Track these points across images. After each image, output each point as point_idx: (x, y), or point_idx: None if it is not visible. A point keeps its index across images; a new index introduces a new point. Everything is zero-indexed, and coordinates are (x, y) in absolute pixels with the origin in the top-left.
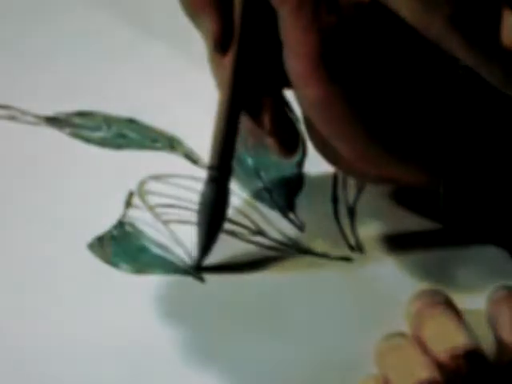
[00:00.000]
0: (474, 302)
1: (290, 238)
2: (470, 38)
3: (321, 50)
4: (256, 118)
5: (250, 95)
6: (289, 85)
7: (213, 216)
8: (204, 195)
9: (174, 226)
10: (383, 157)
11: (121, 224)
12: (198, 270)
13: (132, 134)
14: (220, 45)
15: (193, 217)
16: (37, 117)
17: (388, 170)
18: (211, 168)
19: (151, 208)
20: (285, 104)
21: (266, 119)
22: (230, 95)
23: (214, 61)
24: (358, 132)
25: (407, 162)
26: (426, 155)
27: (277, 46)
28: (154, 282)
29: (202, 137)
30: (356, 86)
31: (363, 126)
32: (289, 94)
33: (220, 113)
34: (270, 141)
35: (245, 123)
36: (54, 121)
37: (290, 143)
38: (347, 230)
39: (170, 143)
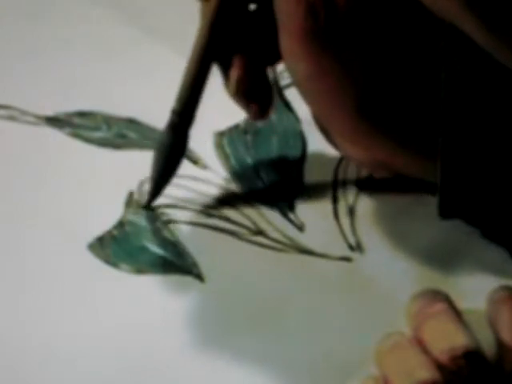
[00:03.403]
0: (474, 301)
1: (290, 238)
2: (485, 19)
3: (311, 24)
4: (226, 73)
5: (225, 49)
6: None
7: (168, 160)
8: (162, 138)
9: (174, 226)
10: (373, 136)
11: (121, 224)
12: (146, 208)
13: (132, 134)
14: None
15: (193, 217)
16: (37, 117)
17: (379, 152)
18: (173, 113)
19: (151, 208)
20: (264, 69)
21: (233, 76)
22: (204, 41)
23: (201, 6)
24: (346, 109)
25: (399, 142)
26: (419, 136)
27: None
28: (154, 281)
29: (202, 137)
30: (347, 60)
31: (352, 103)
32: (288, 94)
33: (192, 58)
34: (235, 99)
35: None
36: (53, 121)
37: (259, 107)
38: (347, 230)
39: None
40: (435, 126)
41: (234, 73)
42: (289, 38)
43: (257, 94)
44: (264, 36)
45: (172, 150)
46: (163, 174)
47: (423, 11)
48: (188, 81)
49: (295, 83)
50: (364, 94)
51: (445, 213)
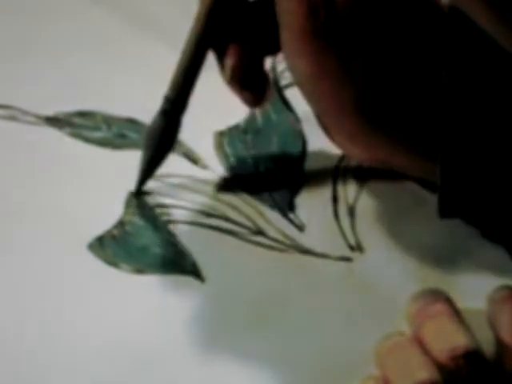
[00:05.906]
0: (474, 302)
1: (290, 238)
2: (492, 3)
3: (313, 23)
4: (221, 61)
5: (222, 37)
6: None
7: (158, 146)
8: (154, 124)
9: (174, 226)
10: (372, 135)
11: (121, 224)
12: (137, 194)
13: (132, 134)
14: None
15: (193, 217)
16: (37, 117)
17: (379, 151)
18: (166, 99)
19: (151, 208)
20: (260, 58)
21: (228, 63)
22: (201, 28)
23: None
24: (346, 108)
25: (399, 142)
26: (419, 136)
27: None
28: (154, 282)
29: (202, 137)
30: (347, 60)
31: (351, 102)
32: (288, 94)
33: (188, 45)
34: (229, 86)
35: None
36: (53, 121)
37: (254, 96)
38: (347, 230)
39: None
40: (435, 125)
41: (229, 61)
42: (290, 36)
43: (252, 82)
44: (263, 26)
45: (163, 136)
46: (153, 160)
47: (424, 10)
48: (183, 67)
49: (296, 81)
50: (364, 93)
51: (445, 213)
